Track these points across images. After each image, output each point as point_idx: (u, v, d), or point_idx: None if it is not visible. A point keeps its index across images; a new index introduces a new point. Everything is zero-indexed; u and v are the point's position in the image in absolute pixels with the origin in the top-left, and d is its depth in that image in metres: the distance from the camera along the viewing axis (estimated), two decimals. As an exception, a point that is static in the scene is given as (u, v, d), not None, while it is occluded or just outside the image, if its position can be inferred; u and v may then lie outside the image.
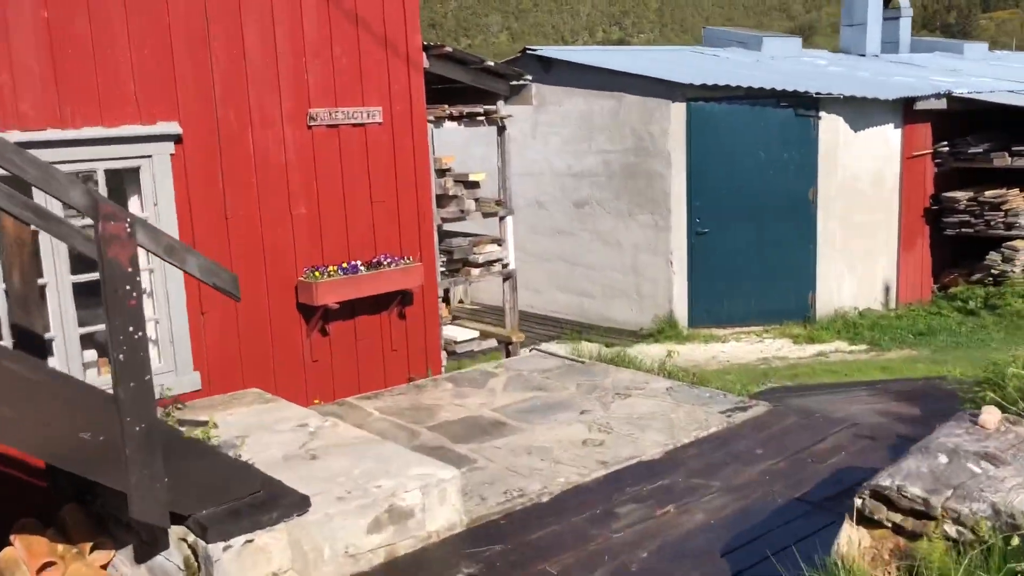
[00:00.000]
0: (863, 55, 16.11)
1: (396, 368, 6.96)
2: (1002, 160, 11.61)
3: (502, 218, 7.90)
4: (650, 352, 10.34)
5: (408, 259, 6.71)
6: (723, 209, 11.01)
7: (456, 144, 11.11)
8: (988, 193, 11.67)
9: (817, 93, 10.66)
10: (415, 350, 7.08)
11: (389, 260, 6.58)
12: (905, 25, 18.26)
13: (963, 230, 11.86)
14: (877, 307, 11.71)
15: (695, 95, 10.70)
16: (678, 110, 10.73)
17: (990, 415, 3.63)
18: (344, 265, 6.37)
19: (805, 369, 8.60)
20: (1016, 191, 11.66)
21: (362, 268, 6.41)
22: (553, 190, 12.13)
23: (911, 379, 7.38)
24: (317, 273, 6.18)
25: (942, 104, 11.70)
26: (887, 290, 11.93)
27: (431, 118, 7.09)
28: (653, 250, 11.16)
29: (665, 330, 11.11)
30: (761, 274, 11.18)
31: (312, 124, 6.23)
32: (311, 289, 6.07)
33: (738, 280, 11.19)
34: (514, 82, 7.73)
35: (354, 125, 6.48)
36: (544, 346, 8.20)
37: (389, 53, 6.65)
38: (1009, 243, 11.60)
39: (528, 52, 11.86)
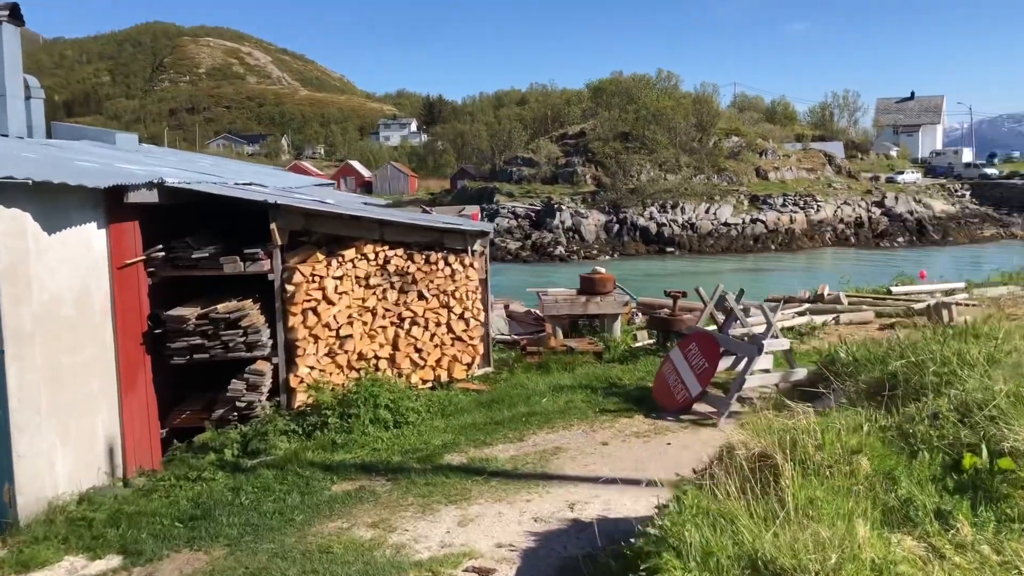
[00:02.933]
0: (7, 135, 12.25)
1: None
2: (234, 266, 9.41)
3: None
4: None
5: None
6: None
7: None
8: (222, 308, 9.32)
9: (-9, 175, 6.75)
10: None
11: None
12: (38, 107, 14.99)
13: (197, 356, 9.25)
14: (106, 482, 8.20)
15: None
16: None
17: None
18: None
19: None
20: (252, 302, 9.60)
21: None
22: None
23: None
24: None
25: (154, 196, 8.94)
26: (111, 454, 8.50)
27: None
28: None
29: None
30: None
31: None
32: None
33: None
34: None
35: None
36: None
37: None
38: (253, 366, 9.44)
39: None
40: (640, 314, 14.34)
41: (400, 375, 10.40)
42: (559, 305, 12.64)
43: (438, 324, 10.74)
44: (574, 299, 12.73)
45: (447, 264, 10.78)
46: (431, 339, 10.69)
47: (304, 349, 9.64)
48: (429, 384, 10.71)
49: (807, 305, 13.42)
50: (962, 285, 15.97)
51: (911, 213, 66.57)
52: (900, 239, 62.68)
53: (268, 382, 9.51)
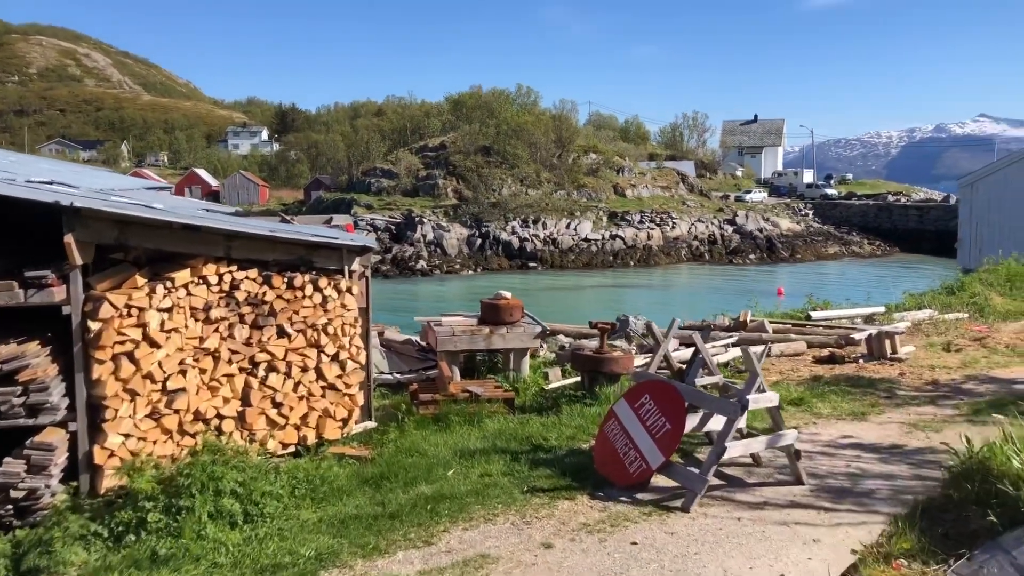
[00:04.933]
0: None
1: None
2: (10, 295, 6.56)
3: None
4: None
5: None
6: None
7: None
8: (-9, 355, 6.47)
9: None
10: None
11: None
12: None
13: (-49, 426, 6.35)
14: None
15: None
16: None
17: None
18: None
19: None
20: (39, 345, 6.78)
21: None
22: None
23: None
24: None
25: None
26: None
27: None
28: None
29: None
30: None
31: None
32: None
33: None
34: None
35: None
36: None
37: None
38: (37, 438, 6.61)
39: None
40: (543, 344, 12.18)
41: (252, 439, 7.77)
42: (457, 338, 10.28)
43: (304, 369, 8.17)
44: (476, 330, 10.39)
45: (317, 290, 8.24)
46: (295, 389, 8.10)
47: (116, 410, 6.87)
48: (291, 449, 8.13)
49: (735, 335, 11.64)
50: (881, 309, 14.74)
51: (761, 231, 68.17)
52: (752, 256, 63.90)
53: (62, 459, 6.70)
